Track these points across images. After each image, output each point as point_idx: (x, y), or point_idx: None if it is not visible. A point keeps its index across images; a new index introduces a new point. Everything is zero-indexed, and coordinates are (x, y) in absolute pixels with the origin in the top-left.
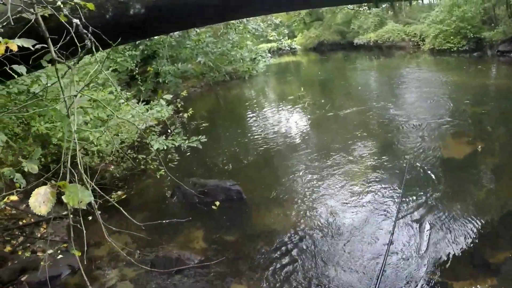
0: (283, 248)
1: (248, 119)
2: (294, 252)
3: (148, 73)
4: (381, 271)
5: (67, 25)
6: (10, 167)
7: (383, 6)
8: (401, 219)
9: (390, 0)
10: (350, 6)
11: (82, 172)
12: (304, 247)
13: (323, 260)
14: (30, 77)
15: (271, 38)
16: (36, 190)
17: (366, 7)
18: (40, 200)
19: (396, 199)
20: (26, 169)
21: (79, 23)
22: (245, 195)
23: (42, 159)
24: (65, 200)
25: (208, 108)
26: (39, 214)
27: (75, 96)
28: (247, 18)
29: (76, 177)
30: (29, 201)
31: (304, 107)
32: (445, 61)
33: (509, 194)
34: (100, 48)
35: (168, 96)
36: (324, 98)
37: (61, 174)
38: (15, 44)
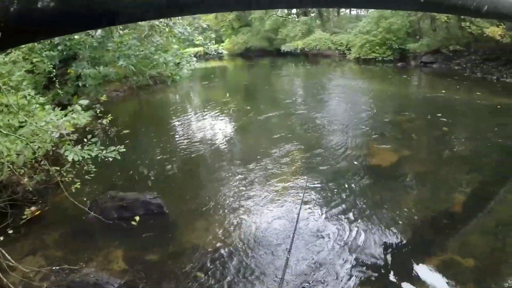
0: (208, 264)
1: (172, 125)
2: (220, 268)
3: (69, 76)
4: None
5: None
6: None
7: (312, 15)
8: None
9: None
10: (279, 13)
11: None
12: (229, 261)
13: (249, 274)
14: None
15: (198, 42)
16: None
17: (295, 15)
18: None
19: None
20: None
21: None
22: (167, 208)
23: None
24: None
25: (131, 114)
26: None
27: None
28: (173, 21)
29: None
30: None
31: (229, 113)
32: (370, 70)
33: (432, 201)
34: None
35: (85, 101)
36: (249, 104)
37: None
38: None
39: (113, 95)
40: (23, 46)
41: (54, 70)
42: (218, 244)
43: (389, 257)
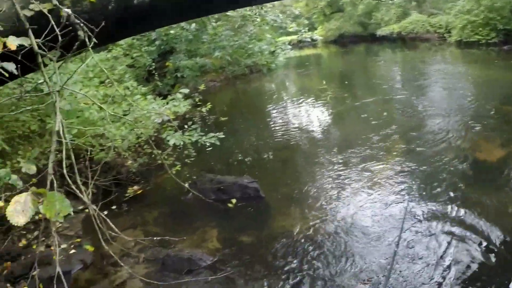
0: (300, 251)
1: (268, 113)
2: (312, 257)
3: (167, 68)
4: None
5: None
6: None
7: None
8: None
9: None
10: None
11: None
12: (320, 253)
13: (342, 266)
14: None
15: (291, 29)
16: (15, 197)
17: None
18: (19, 209)
19: (417, 203)
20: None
21: (70, 13)
22: (263, 193)
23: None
24: (42, 211)
25: (227, 102)
26: (15, 224)
27: (58, 91)
28: (265, 10)
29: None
30: (6, 209)
31: (325, 100)
32: (472, 54)
33: None
34: (95, 40)
35: (186, 90)
36: (345, 91)
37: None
38: (13, 44)
39: (210, 85)
40: (122, 43)
41: (153, 64)
42: (312, 232)
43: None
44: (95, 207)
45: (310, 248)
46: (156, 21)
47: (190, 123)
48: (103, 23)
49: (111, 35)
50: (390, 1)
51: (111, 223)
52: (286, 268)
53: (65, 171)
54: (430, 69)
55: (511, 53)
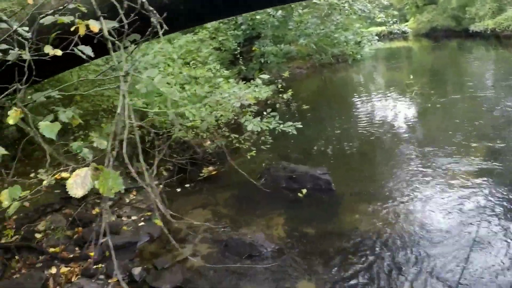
0: (365, 251)
1: (351, 104)
2: (375, 258)
3: (254, 53)
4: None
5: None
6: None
7: None
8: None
9: None
10: None
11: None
12: (388, 254)
13: (408, 271)
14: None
15: (379, 20)
16: (77, 170)
17: None
18: (79, 182)
19: (496, 208)
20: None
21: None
22: (335, 186)
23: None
24: (96, 186)
25: (312, 90)
26: (73, 196)
27: (125, 75)
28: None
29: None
30: (67, 181)
31: (411, 96)
32: None
33: None
34: (166, 27)
35: (266, 76)
36: (433, 87)
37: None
38: (96, 26)
39: (296, 71)
40: (209, 26)
41: (238, 48)
42: (380, 232)
43: None
44: (154, 186)
45: (375, 247)
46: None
47: (269, 110)
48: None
49: (183, 23)
50: None
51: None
52: (345, 265)
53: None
54: None
55: None
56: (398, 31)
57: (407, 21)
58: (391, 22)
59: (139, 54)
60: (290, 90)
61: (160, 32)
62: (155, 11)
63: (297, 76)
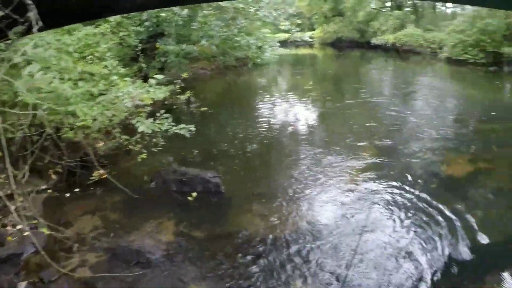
0: (253, 251)
1: (251, 107)
2: (264, 256)
3: (157, 51)
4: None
5: None
6: None
7: (406, 9)
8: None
9: None
10: (373, 5)
11: None
12: (277, 252)
13: (291, 270)
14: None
15: (283, 27)
16: None
17: (389, 8)
18: None
19: (383, 208)
20: None
21: None
22: (226, 188)
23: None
24: None
25: (214, 92)
26: None
27: None
28: (259, 5)
29: None
30: None
31: (307, 100)
32: (459, 71)
33: (507, 218)
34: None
35: (160, 76)
36: (331, 94)
37: None
38: None
39: (200, 72)
40: (112, 19)
41: (140, 45)
42: (268, 231)
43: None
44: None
45: (264, 246)
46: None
47: (163, 111)
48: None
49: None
50: (389, 12)
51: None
52: (235, 266)
53: None
54: (418, 81)
55: (497, 74)
56: (299, 40)
57: (314, 29)
58: (294, 30)
59: (30, 46)
60: (189, 91)
61: (35, 28)
62: (33, 5)
63: (200, 77)
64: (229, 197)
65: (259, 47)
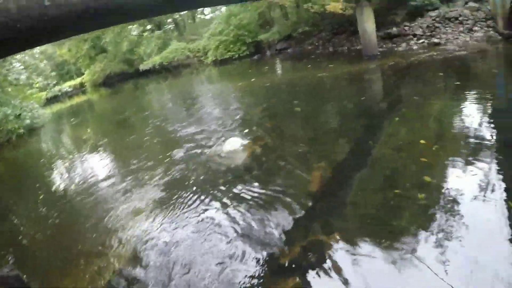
0: None
1: (26, 181)
2: None
3: None
4: None
5: None
6: None
7: (168, 27)
8: None
9: None
10: (134, 32)
11: None
12: None
13: None
14: None
15: (37, 85)
16: None
17: (149, 31)
18: None
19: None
20: None
21: None
22: (29, 277)
23: None
24: None
25: None
26: None
27: None
28: (7, 68)
29: None
30: None
31: (91, 149)
32: (228, 69)
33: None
34: None
35: None
36: (108, 135)
37: None
38: None
39: None
40: None
41: None
42: None
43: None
44: None
45: None
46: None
47: None
48: None
49: None
50: (150, 35)
51: None
52: None
53: None
54: (192, 90)
55: (261, 61)
56: (71, 89)
57: (83, 74)
58: (51, 84)
59: None
60: None
61: None
62: None
63: None
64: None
65: (18, 116)
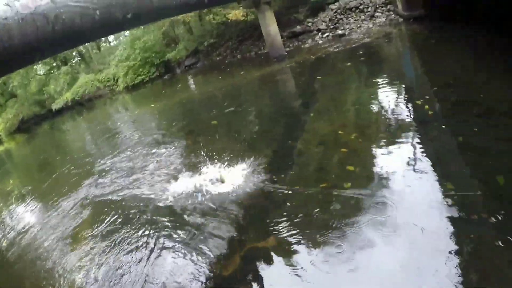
0: None
1: None
2: None
3: None
4: None
5: None
6: None
7: (74, 60)
8: None
9: None
10: (40, 72)
11: None
12: None
13: None
14: None
15: None
16: None
17: (55, 68)
18: None
19: None
20: None
21: None
22: None
23: None
24: None
25: None
26: None
27: None
28: None
29: None
30: None
31: (15, 200)
32: (140, 93)
33: None
34: None
35: None
36: (32, 181)
37: None
38: None
39: None
40: None
41: None
42: None
43: None
44: None
45: None
46: None
47: None
48: None
49: None
50: (57, 72)
51: None
52: None
53: None
54: (106, 122)
55: (173, 80)
56: None
57: None
58: None
59: None
60: None
61: None
62: None
63: None
64: None
65: None
